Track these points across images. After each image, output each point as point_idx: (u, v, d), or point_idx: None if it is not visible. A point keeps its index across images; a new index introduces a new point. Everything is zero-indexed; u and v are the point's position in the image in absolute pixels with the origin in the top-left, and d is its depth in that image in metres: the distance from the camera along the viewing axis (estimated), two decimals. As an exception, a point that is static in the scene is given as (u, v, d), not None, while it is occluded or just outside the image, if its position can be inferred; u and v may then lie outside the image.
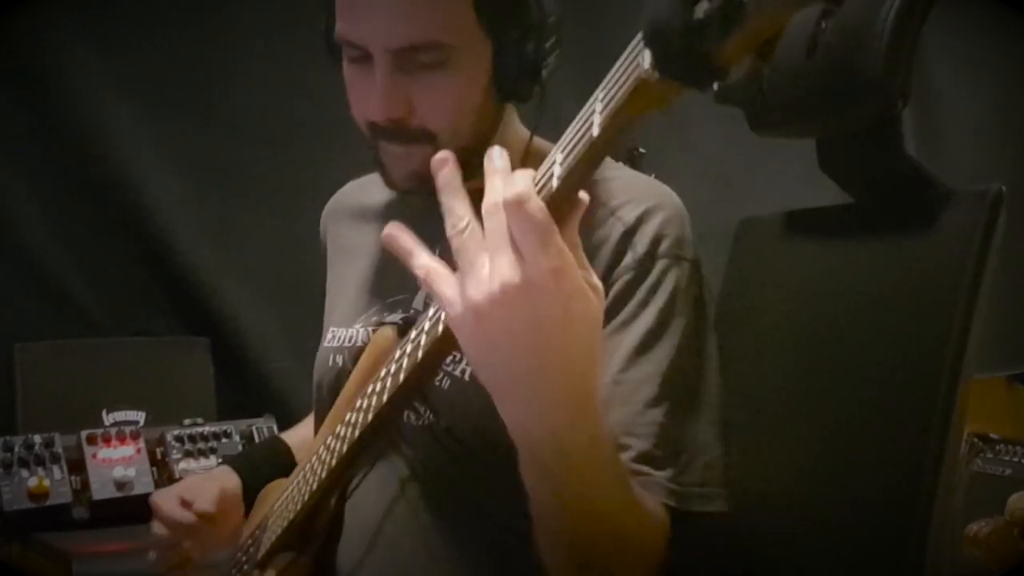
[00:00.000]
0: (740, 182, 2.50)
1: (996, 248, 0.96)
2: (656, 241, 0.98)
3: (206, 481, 1.17)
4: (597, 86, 0.67)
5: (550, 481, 0.78)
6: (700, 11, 0.56)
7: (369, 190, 1.21)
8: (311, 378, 1.15)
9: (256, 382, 2.17)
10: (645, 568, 0.88)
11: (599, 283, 0.72)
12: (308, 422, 1.34)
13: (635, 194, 1.01)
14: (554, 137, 0.73)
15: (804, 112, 1.11)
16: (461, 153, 0.77)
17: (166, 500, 1.14)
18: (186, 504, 1.12)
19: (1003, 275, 0.98)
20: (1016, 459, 1.93)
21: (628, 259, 0.97)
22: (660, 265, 0.97)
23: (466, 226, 0.69)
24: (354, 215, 1.21)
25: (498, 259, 0.67)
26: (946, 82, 2.83)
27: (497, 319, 0.67)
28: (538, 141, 1.06)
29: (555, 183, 0.67)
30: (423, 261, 0.72)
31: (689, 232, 1.01)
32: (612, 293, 0.96)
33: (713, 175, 2.52)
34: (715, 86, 0.59)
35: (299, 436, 1.30)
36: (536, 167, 0.70)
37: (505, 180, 0.68)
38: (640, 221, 0.99)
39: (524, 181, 0.66)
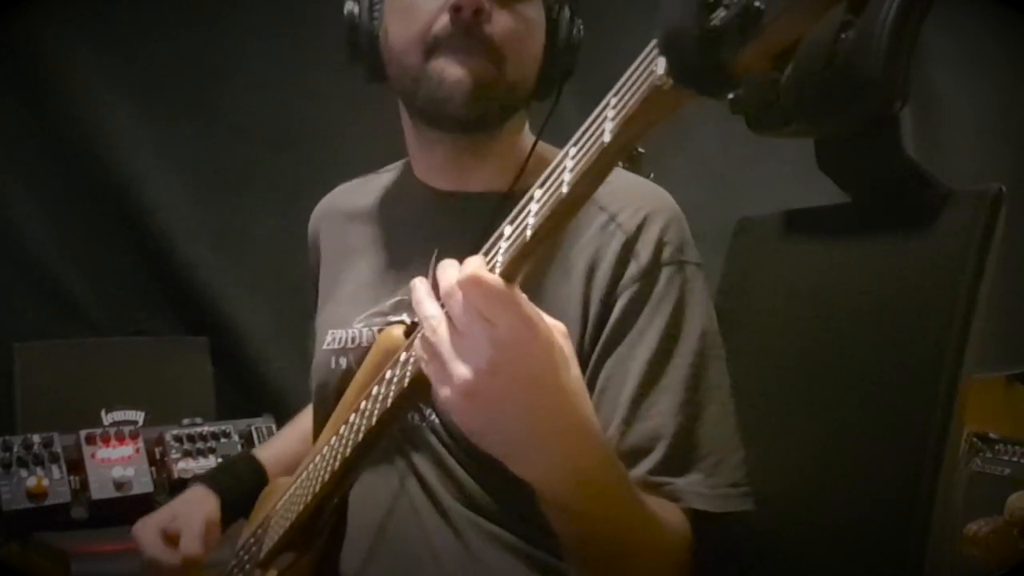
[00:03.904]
0: (737, 181, 2.49)
1: (995, 248, 0.96)
2: (659, 248, 0.98)
3: (190, 510, 1.14)
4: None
5: (574, 515, 0.82)
6: (717, 19, 0.54)
7: (361, 193, 1.20)
8: (310, 378, 1.14)
9: (255, 382, 2.17)
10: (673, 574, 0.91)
11: (556, 321, 0.75)
12: (284, 433, 1.34)
13: (632, 198, 1.01)
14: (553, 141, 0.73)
15: (803, 112, 1.11)
16: (500, 99, 0.84)
17: (148, 534, 1.11)
18: (171, 539, 1.10)
19: (1003, 275, 0.98)
20: (1015, 459, 1.93)
21: (632, 270, 0.97)
22: (665, 273, 0.98)
23: (439, 322, 0.72)
24: (348, 217, 1.19)
25: (472, 335, 0.69)
26: (946, 82, 2.82)
27: (491, 389, 0.70)
28: (543, 145, 1.06)
29: (565, 189, 0.67)
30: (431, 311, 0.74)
31: (688, 234, 1.01)
32: (620, 306, 0.97)
33: (710, 174, 2.52)
34: (731, 96, 0.58)
35: (274, 450, 1.28)
36: (541, 171, 0.70)
37: (454, 267, 0.72)
38: (640, 229, 0.99)
39: (474, 261, 0.70)
